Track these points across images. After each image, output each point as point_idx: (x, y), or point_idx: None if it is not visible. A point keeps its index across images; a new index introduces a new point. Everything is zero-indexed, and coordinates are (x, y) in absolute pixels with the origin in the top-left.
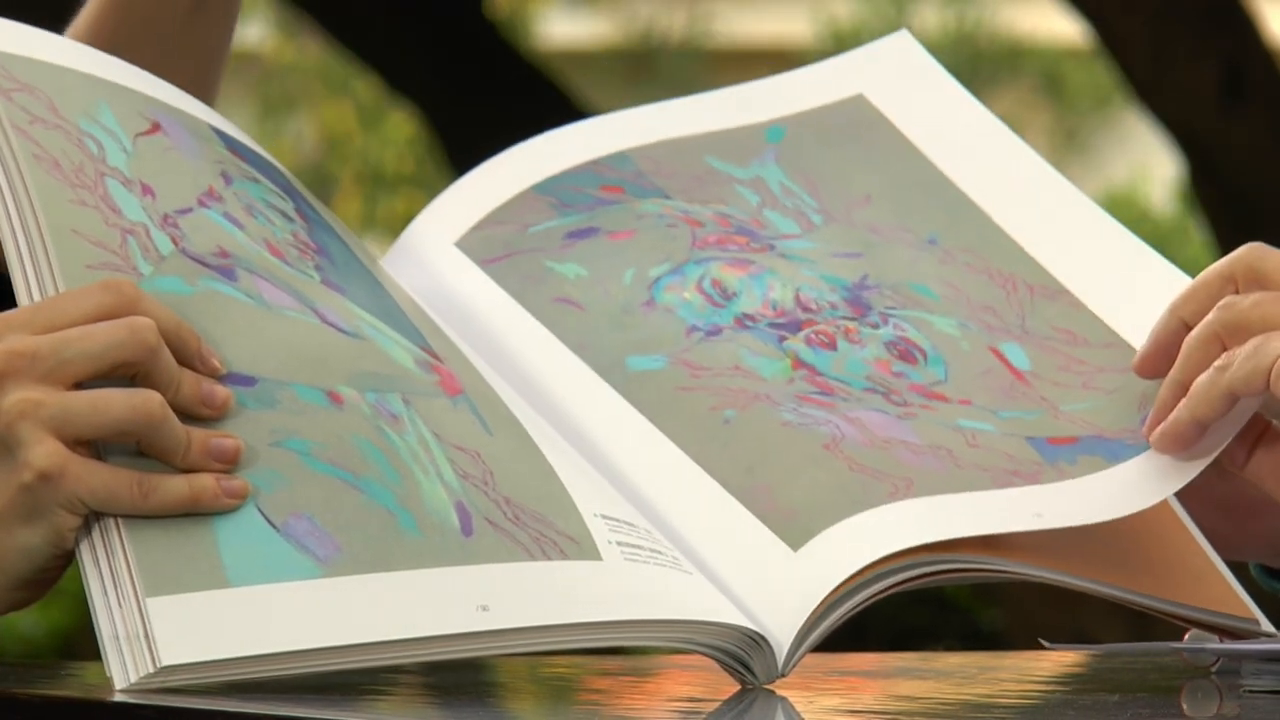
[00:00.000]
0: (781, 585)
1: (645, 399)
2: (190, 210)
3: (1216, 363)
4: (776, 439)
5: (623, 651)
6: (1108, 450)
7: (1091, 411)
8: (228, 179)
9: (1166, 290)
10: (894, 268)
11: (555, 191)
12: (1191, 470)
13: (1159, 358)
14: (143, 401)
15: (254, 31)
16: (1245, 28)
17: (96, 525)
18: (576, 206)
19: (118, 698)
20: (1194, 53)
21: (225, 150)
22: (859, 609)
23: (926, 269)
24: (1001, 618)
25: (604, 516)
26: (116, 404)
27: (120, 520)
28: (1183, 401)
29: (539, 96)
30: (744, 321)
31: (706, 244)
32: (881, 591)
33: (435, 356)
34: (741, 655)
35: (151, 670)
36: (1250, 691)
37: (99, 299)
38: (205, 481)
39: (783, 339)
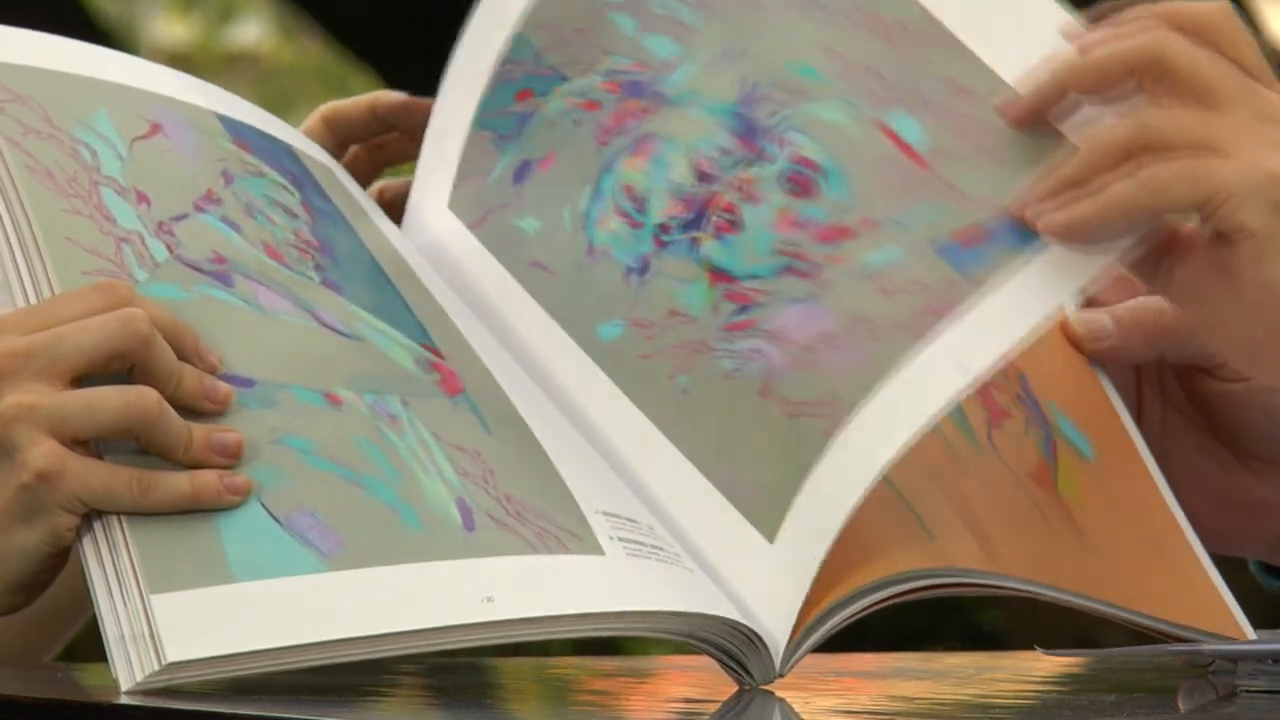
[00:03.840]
0: (767, 583)
1: (620, 373)
2: (186, 216)
3: (1142, 176)
4: (723, 400)
5: (622, 652)
6: (1015, 238)
7: (990, 183)
8: (229, 177)
9: (1053, 28)
10: (773, 51)
11: (488, 122)
12: (1102, 264)
13: (1034, 114)
14: (138, 398)
15: (252, 31)
16: (1245, 28)
17: (100, 524)
18: (507, 135)
19: (123, 699)
20: None
21: (230, 143)
22: (856, 617)
23: (806, 36)
24: (1001, 618)
25: (605, 513)
26: (112, 401)
27: (123, 518)
28: (1093, 200)
29: None
30: (661, 237)
31: (609, 133)
32: (880, 602)
33: (437, 354)
34: (739, 655)
35: (157, 668)
36: (1247, 691)
37: (92, 300)
38: (207, 478)
39: (694, 243)
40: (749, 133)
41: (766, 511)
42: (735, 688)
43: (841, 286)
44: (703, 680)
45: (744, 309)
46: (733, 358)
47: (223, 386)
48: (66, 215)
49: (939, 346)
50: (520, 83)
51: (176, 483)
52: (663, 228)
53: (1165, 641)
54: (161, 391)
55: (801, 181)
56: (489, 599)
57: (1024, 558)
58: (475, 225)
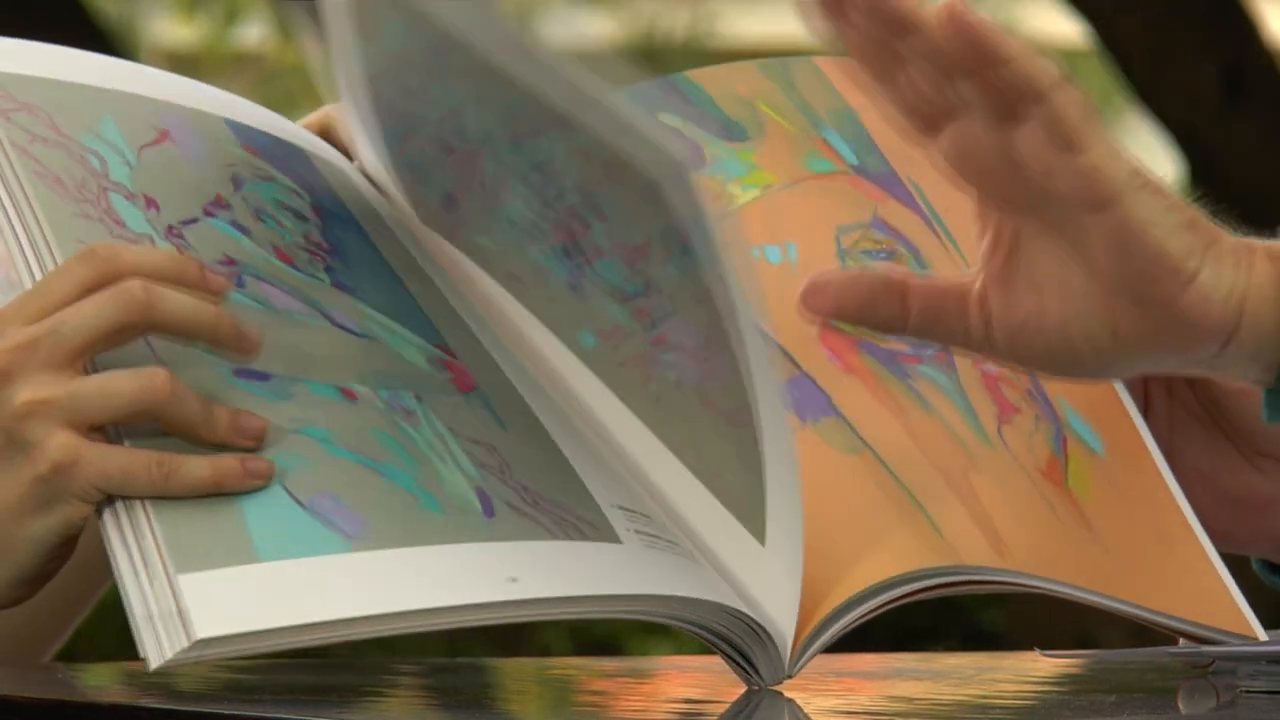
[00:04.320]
0: (767, 583)
1: (608, 378)
2: (196, 221)
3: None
4: (684, 409)
5: (623, 652)
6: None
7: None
8: (238, 183)
9: None
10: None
11: (400, 160)
12: None
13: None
14: (149, 379)
15: (254, 32)
16: (1245, 28)
17: (124, 507)
18: (417, 169)
19: (148, 700)
20: (1194, 53)
21: (239, 148)
22: (866, 618)
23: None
24: (1001, 619)
25: (621, 508)
26: (125, 385)
27: (147, 500)
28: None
29: None
30: (575, 264)
31: (470, 173)
32: (889, 602)
33: (449, 353)
34: (748, 653)
35: (186, 645)
36: (1248, 692)
37: (77, 271)
38: (229, 462)
39: (587, 265)
40: (509, 158)
41: (751, 515)
42: (736, 689)
43: (676, 299)
44: (703, 681)
45: (653, 324)
46: (672, 369)
47: (254, 330)
48: (77, 219)
49: (749, 348)
50: (398, 127)
51: (198, 467)
52: (565, 252)
53: (1173, 638)
54: (198, 336)
55: (571, 212)
56: (513, 579)
57: (1034, 554)
58: (450, 239)
